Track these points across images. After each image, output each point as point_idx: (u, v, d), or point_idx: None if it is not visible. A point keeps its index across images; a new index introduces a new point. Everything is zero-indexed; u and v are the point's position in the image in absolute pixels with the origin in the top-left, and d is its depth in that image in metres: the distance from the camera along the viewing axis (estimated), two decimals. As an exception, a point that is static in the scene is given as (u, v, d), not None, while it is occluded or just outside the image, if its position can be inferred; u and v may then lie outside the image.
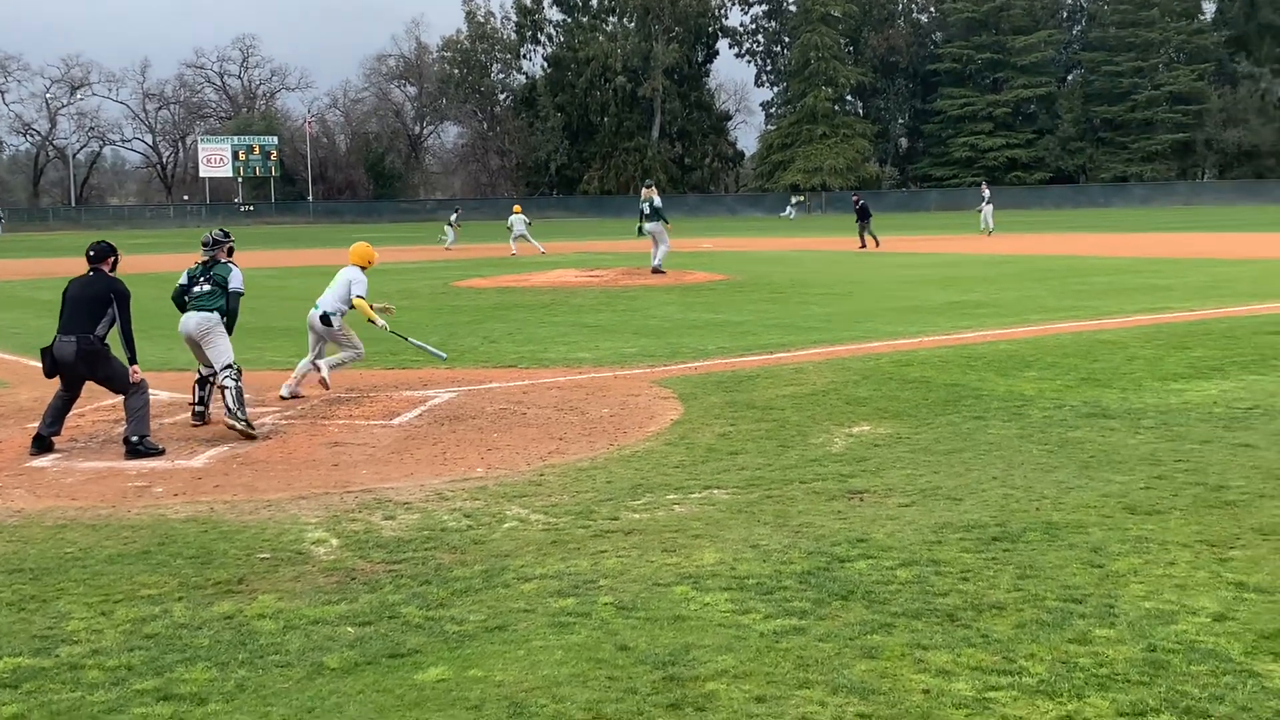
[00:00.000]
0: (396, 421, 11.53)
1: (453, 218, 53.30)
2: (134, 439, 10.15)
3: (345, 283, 12.99)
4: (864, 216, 44.63)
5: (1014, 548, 7.02)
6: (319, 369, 12.82)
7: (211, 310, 11.38)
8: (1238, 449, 9.47)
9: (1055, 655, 5.41)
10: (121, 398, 10.45)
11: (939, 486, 8.53)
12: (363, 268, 13.16)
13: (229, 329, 11.51)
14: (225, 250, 11.87)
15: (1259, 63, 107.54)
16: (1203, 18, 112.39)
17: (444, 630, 5.91)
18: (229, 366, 11.22)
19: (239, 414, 10.84)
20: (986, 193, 55.01)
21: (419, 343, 13.91)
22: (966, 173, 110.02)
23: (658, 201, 30.45)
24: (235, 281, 11.58)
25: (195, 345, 11.49)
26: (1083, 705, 4.90)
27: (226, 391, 11.07)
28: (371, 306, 13.06)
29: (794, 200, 75.41)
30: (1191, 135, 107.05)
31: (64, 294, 10.51)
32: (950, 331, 17.47)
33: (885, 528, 7.51)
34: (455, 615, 6.11)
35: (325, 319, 12.90)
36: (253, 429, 10.92)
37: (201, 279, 11.56)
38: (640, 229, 30.92)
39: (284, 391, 12.94)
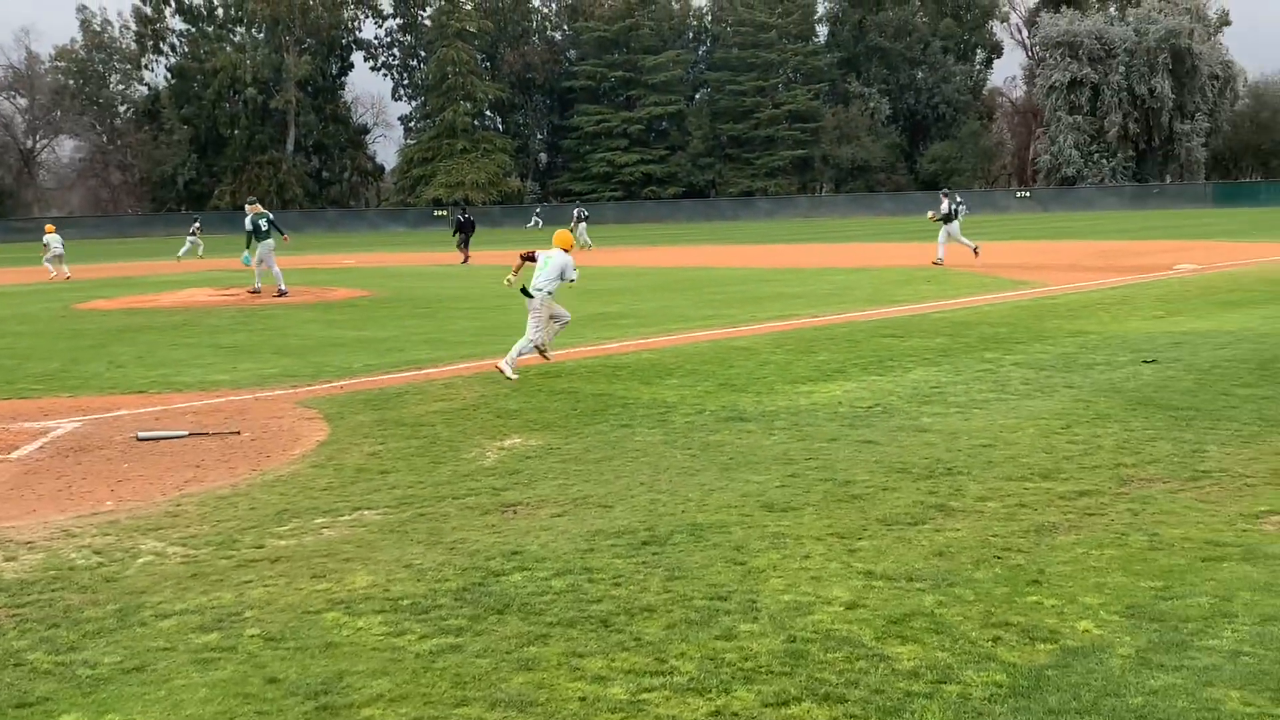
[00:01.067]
0: (15, 455, 10.71)
1: (193, 228, 55.14)
2: None
3: (559, 266, 14.81)
4: (466, 231, 45.57)
5: (663, 551, 7.23)
6: (547, 336, 15.24)
7: None
8: (861, 445, 10.10)
9: (704, 653, 5.60)
10: None
11: (590, 495, 8.68)
12: (566, 250, 15.09)
13: None
14: None
15: (868, 83, 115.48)
16: (816, 40, 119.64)
17: (76, 675, 5.53)
18: None
19: None
20: (579, 211, 59.02)
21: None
22: (605, 187, 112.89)
23: (270, 216, 29.58)
24: None
25: None
26: (730, 700, 5.09)
27: None
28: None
29: (537, 210, 76.98)
30: (809, 151, 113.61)
31: None
32: (595, 342, 17.85)
33: (539, 539, 7.57)
34: (88, 658, 5.73)
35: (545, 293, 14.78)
36: None
37: None
38: (247, 257, 29.49)
39: (543, 344, 15.15)
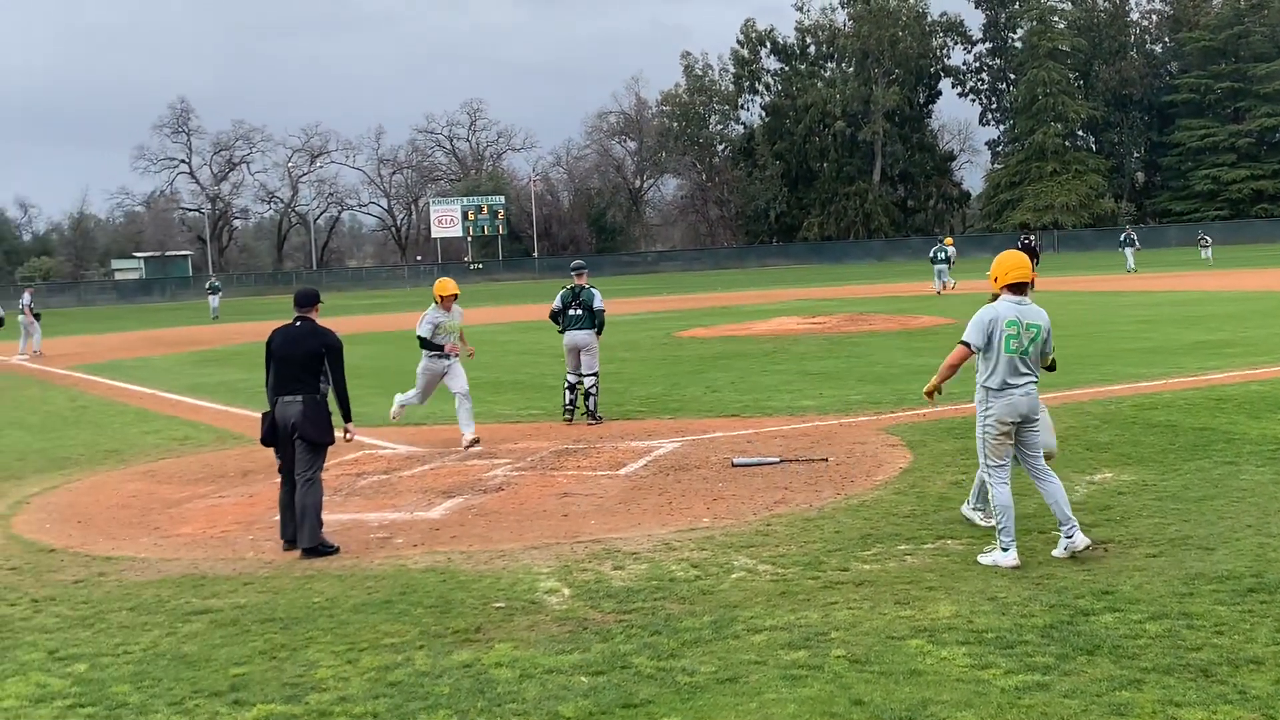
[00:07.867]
0: (623, 472, 11.64)
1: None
2: (309, 547, 9.03)
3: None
4: (1033, 256, 43.68)
5: (1272, 599, 6.62)
6: None
7: (591, 328, 15.20)
8: None
9: (1325, 717, 5.06)
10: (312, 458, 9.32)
11: (1189, 536, 8.12)
12: None
13: (598, 332, 15.29)
14: (586, 275, 15.51)
15: None
16: None
17: (676, 681, 5.90)
18: (597, 374, 15.22)
19: (596, 411, 15.08)
20: (1131, 234, 58.30)
21: None
22: (1209, 206, 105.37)
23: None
24: (598, 302, 15.29)
25: (578, 354, 15.17)
26: (1359, 772, 4.55)
27: (592, 398, 15.05)
28: None
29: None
30: None
31: (269, 349, 9.49)
32: (1196, 372, 16.68)
33: (1132, 579, 7.18)
34: (686, 666, 6.10)
35: None
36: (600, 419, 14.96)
37: (573, 303, 15.25)
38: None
39: None
